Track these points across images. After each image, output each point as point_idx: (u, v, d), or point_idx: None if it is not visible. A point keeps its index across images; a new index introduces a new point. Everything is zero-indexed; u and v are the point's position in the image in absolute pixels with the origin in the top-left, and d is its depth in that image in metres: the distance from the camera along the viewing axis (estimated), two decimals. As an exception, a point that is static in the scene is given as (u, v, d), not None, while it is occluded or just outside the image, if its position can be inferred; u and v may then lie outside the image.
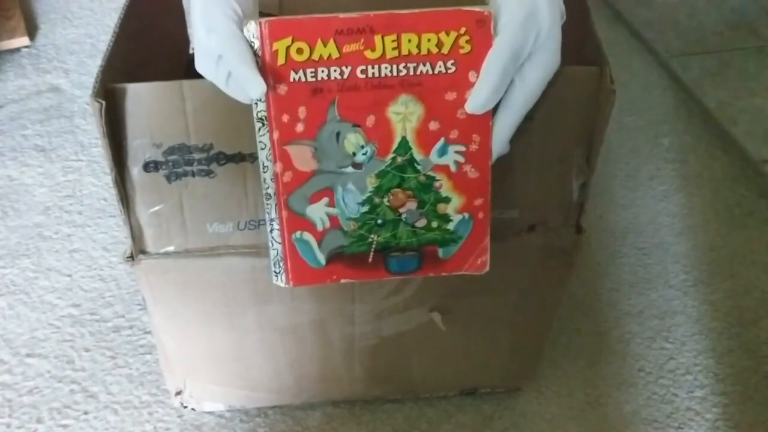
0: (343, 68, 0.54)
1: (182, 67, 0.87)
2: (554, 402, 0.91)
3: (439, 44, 0.54)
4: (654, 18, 1.51)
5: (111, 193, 0.66)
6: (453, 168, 0.58)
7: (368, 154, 0.57)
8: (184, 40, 0.92)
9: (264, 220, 0.64)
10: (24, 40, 1.38)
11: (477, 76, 0.55)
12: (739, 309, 1.02)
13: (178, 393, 0.85)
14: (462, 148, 0.57)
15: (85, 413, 0.88)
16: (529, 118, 0.58)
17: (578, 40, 0.65)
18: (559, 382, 0.93)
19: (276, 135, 0.55)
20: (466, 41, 0.54)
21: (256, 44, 0.53)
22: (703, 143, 1.27)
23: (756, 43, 1.44)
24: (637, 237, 1.11)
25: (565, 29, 0.56)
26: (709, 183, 1.20)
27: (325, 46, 0.53)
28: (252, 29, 0.53)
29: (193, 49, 0.56)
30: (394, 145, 0.57)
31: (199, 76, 0.56)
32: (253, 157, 0.61)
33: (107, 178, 0.62)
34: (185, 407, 0.87)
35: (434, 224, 0.60)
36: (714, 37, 1.46)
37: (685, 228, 1.13)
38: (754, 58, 1.41)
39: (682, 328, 0.99)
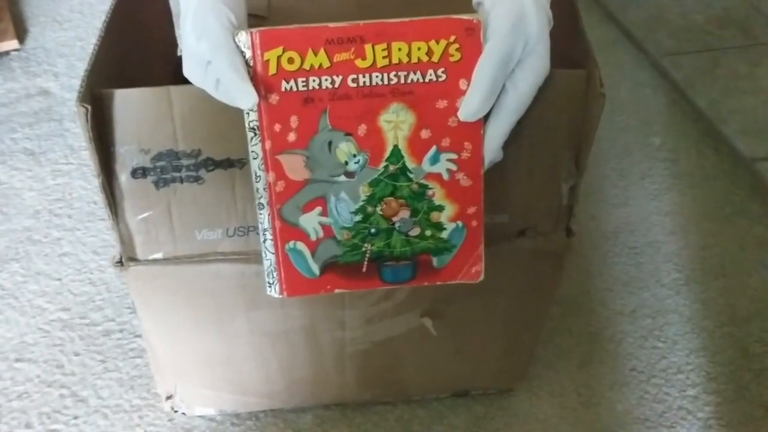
0: (334, 77, 0.54)
1: (170, 68, 0.87)
2: (547, 402, 0.91)
3: (429, 52, 0.54)
4: (645, 17, 1.51)
5: (101, 197, 0.65)
6: (445, 176, 0.57)
7: (360, 162, 0.56)
8: (172, 42, 0.92)
9: (253, 226, 0.64)
10: (13, 44, 1.37)
11: (467, 84, 0.54)
12: (731, 307, 1.02)
13: (169, 397, 0.84)
14: (454, 156, 0.57)
15: (75, 418, 0.87)
16: (518, 121, 0.57)
17: (568, 43, 0.64)
18: (551, 382, 0.93)
19: (268, 145, 0.55)
20: (456, 49, 0.54)
21: (248, 54, 0.53)
22: (694, 142, 1.27)
23: (746, 42, 1.44)
24: (629, 236, 1.11)
25: (555, 32, 0.56)
26: (701, 181, 1.20)
27: (315, 55, 0.53)
28: (243, 39, 0.52)
29: (181, 51, 0.56)
30: (387, 154, 0.56)
31: (187, 79, 0.56)
32: (242, 163, 0.60)
33: (97, 182, 0.61)
34: (176, 411, 0.87)
35: (428, 233, 0.59)
36: (705, 36, 1.46)
37: (677, 227, 1.13)
38: (745, 56, 1.41)
39: (675, 327, 0.99)
